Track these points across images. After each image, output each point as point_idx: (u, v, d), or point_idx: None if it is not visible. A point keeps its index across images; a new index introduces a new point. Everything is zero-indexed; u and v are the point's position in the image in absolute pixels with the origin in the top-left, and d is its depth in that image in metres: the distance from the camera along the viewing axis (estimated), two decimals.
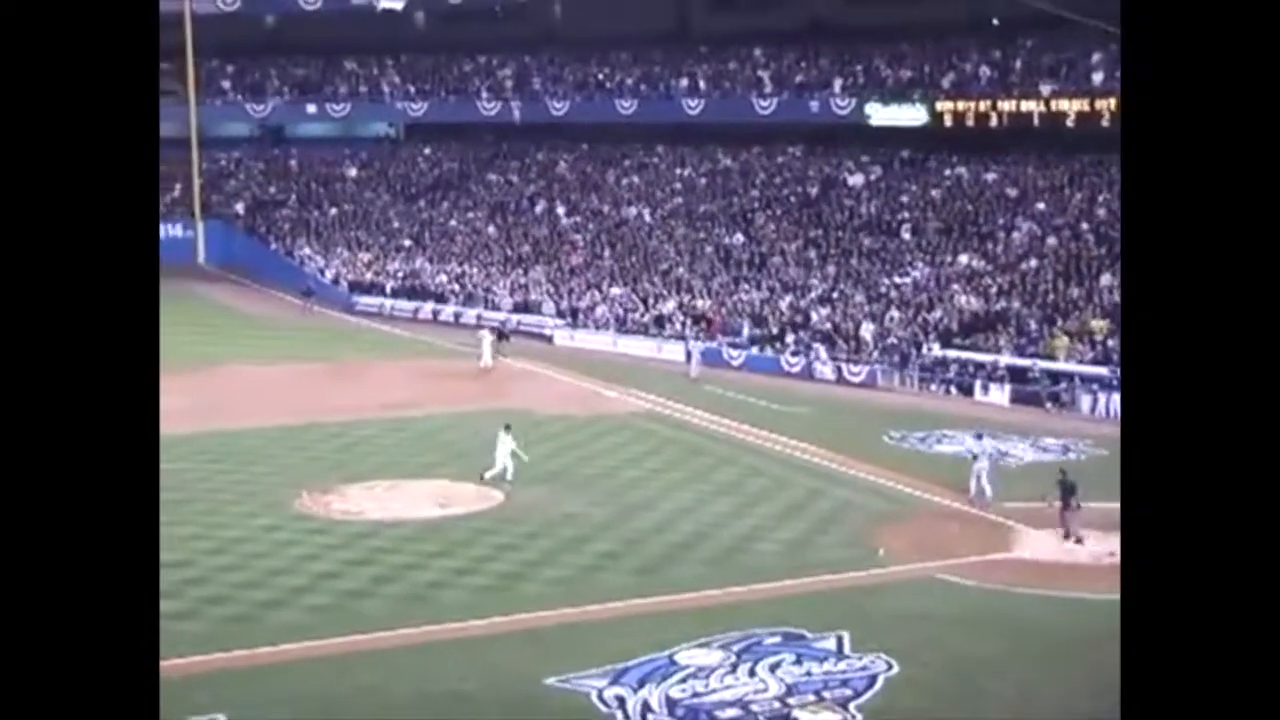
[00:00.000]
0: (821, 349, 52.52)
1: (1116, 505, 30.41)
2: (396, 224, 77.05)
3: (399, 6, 76.71)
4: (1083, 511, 30.41)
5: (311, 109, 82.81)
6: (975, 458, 35.07)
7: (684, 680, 22.05)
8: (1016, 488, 34.49)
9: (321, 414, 43.46)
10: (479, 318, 63.90)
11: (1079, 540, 30.06)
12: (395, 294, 68.94)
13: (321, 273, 72.72)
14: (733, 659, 22.84)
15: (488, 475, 34.75)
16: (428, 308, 66.76)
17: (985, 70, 61.28)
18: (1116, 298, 49.78)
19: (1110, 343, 47.17)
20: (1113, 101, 55.29)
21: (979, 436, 37.41)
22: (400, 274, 70.44)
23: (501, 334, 57.45)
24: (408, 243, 74.18)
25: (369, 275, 71.21)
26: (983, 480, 33.51)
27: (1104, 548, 29.54)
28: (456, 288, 67.39)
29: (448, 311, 66.01)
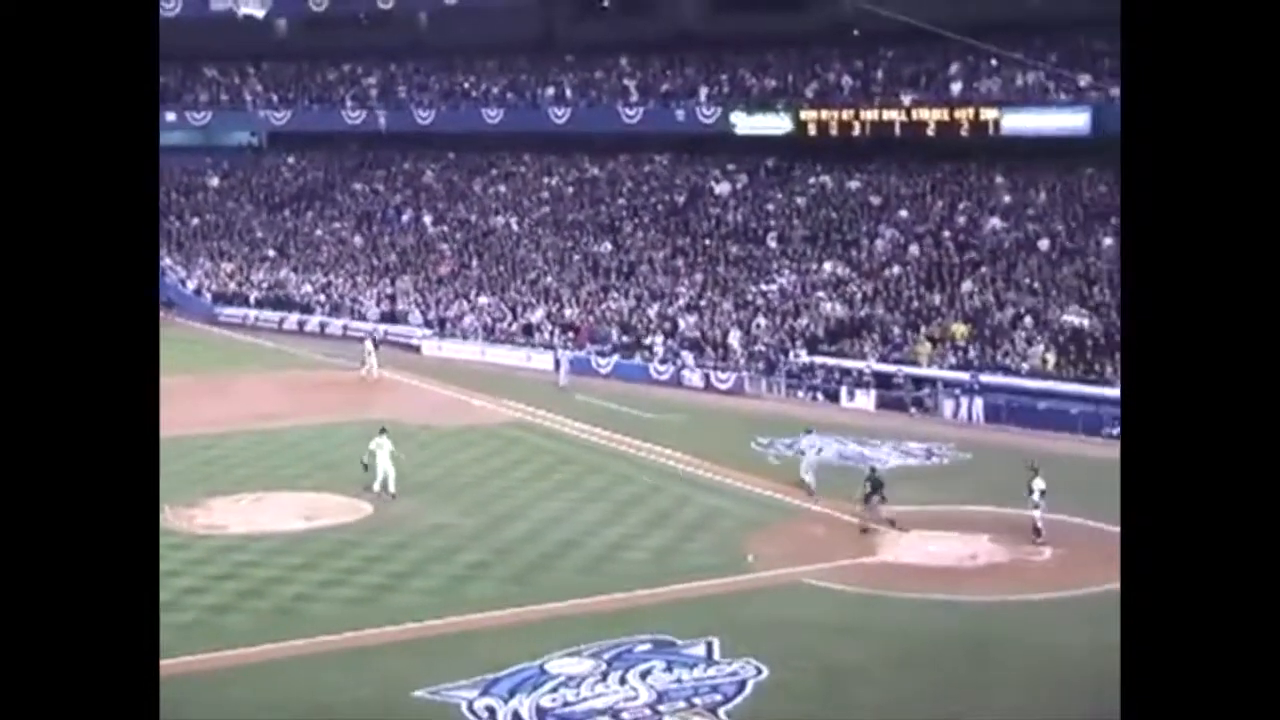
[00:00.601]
0: (689, 356, 52.79)
1: (979, 508, 31.04)
2: (260, 234, 76.07)
3: (260, 14, 75.68)
4: (885, 506, 31.68)
5: (170, 117, 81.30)
6: (803, 453, 36.04)
7: (555, 689, 22.02)
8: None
9: (185, 427, 42.63)
10: (345, 328, 63.39)
11: (865, 530, 31.37)
12: (260, 304, 68.11)
13: (183, 283, 71.60)
14: (603, 667, 22.86)
15: (375, 486, 34.44)
16: (293, 318, 66.09)
17: (848, 80, 62.02)
18: (978, 303, 50.67)
19: (971, 349, 48.01)
20: (970, 111, 56.29)
21: (809, 431, 37.67)
22: (265, 284, 69.61)
23: (371, 340, 57.06)
24: (272, 253, 73.30)
25: (232, 286, 70.27)
26: (809, 476, 35.04)
27: (967, 550, 30.06)
28: (322, 298, 66.76)
29: (313, 322, 65.41)
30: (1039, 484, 30.38)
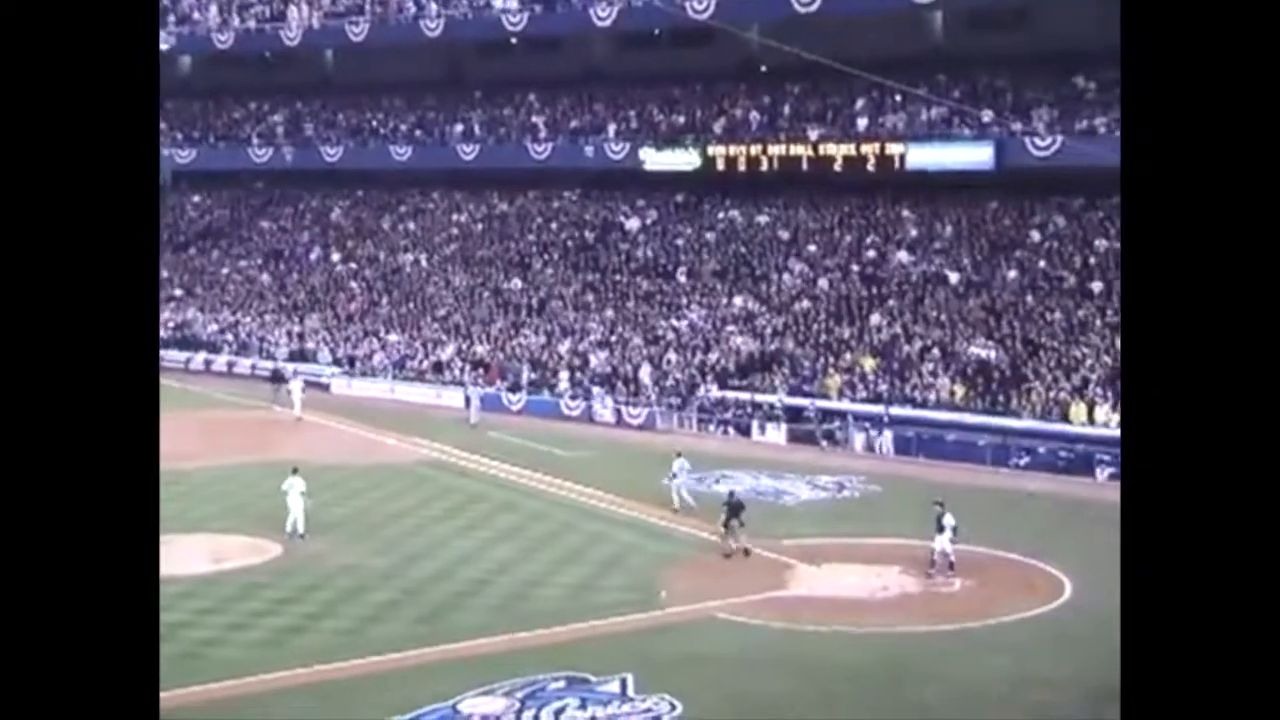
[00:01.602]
0: (600, 392, 52.74)
1: (890, 540, 31.10)
2: (166, 273, 75.09)
3: (165, 48, 75.00)
4: (744, 529, 32.42)
5: None
6: (675, 475, 36.67)
7: None
8: (794, 525, 35.07)
9: None
10: (253, 367, 62.76)
11: (728, 555, 32.13)
12: (166, 344, 67.18)
13: None
14: (517, 705, 22.66)
15: (288, 526, 34.10)
16: (199, 358, 65.34)
17: (755, 116, 62.43)
18: (885, 336, 51.06)
19: (880, 382, 48.34)
20: (876, 146, 56.83)
21: (678, 455, 37.89)
22: (171, 324, 68.76)
23: (278, 377, 56.69)
24: (178, 292, 72.46)
25: None
26: (684, 494, 36.47)
27: (878, 582, 30.16)
28: (230, 337, 66.09)
29: (220, 361, 64.69)
30: (950, 520, 30.45)
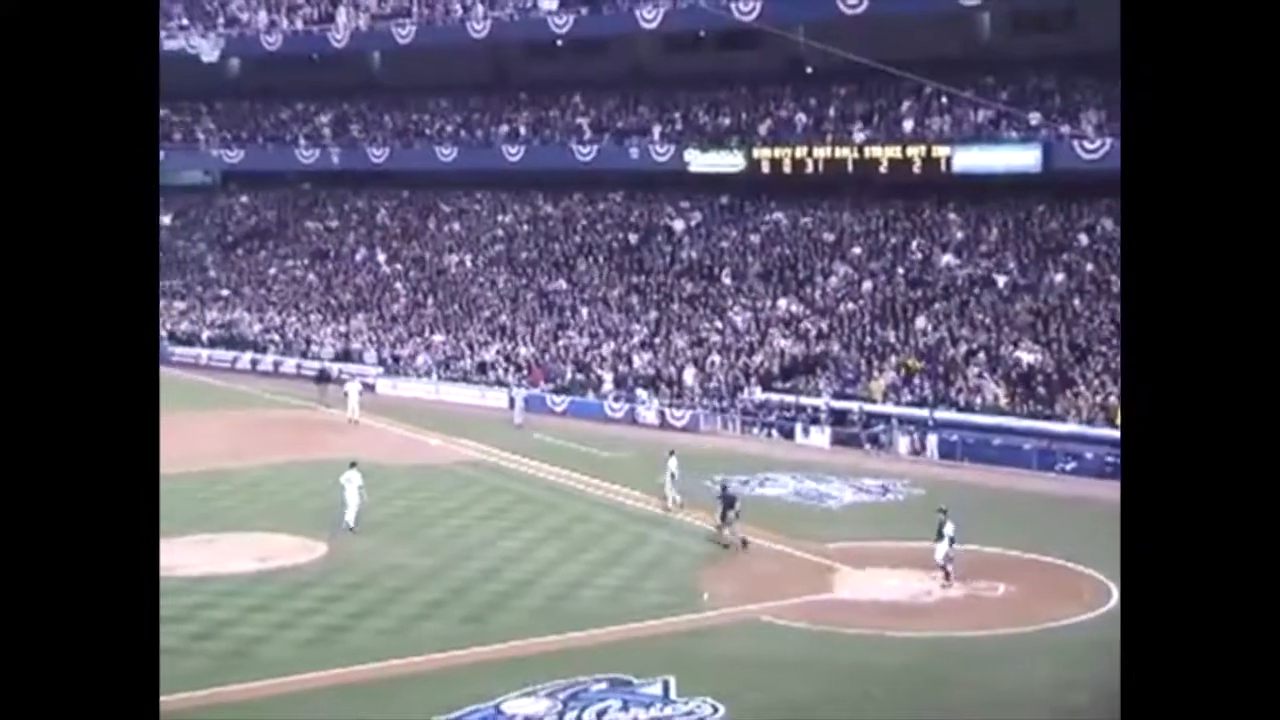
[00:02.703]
0: (644, 394, 52.82)
1: (930, 545, 30.99)
2: (213, 273, 75.83)
3: (215, 56, 75.66)
4: (740, 523, 33.27)
5: None
6: (674, 474, 37.07)
7: None
8: (837, 529, 35.05)
9: None
10: (299, 367, 63.17)
11: (725, 546, 33.12)
12: (213, 344, 67.80)
13: None
14: (559, 707, 22.77)
15: (346, 521, 34.56)
16: (246, 357, 65.80)
17: (801, 118, 62.37)
18: (930, 340, 50.94)
19: (926, 384, 48.22)
20: (923, 149, 56.70)
21: (671, 453, 38.05)
22: (218, 323, 69.30)
23: (324, 377, 57.01)
24: (225, 292, 73.04)
25: (185, 325, 69.92)
26: (672, 490, 36.91)
27: (921, 587, 30.12)
28: (276, 337, 66.52)
29: (266, 361, 65.12)
30: (949, 529, 30.34)
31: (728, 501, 33.71)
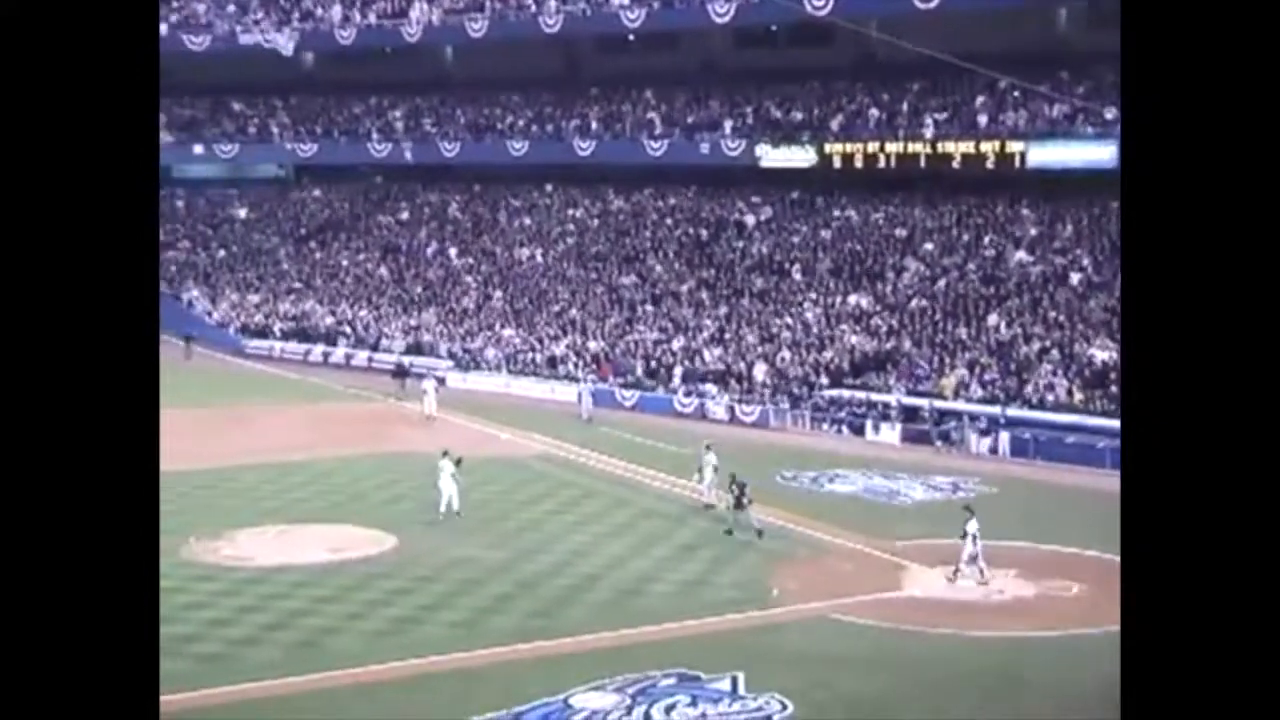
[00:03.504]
0: (714, 389, 52.79)
1: (1003, 543, 30.76)
2: (286, 265, 76.46)
3: (290, 46, 76.27)
4: (753, 510, 34.01)
5: (199, 150, 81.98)
6: (702, 469, 37.12)
7: None
8: (908, 526, 34.88)
9: (210, 459, 42.90)
10: (370, 360, 63.60)
11: (729, 533, 33.75)
12: (285, 336, 68.38)
13: (209, 315, 71.99)
14: (627, 701, 22.80)
15: (441, 508, 35.03)
16: (318, 350, 66.32)
17: (873, 112, 62.12)
18: (1003, 336, 50.58)
19: (999, 381, 47.90)
20: (996, 144, 56.29)
21: (708, 446, 37.95)
22: (290, 316, 69.89)
23: (401, 371, 57.35)
24: (298, 285, 73.64)
25: (258, 318, 70.59)
26: (709, 485, 36.76)
27: (994, 585, 29.93)
28: (347, 330, 67.01)
29: (338, 354, 65.63)
30: (972, 526, 30.11)
31: (741, 488, 34.24)
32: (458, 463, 35.98)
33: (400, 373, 57.29)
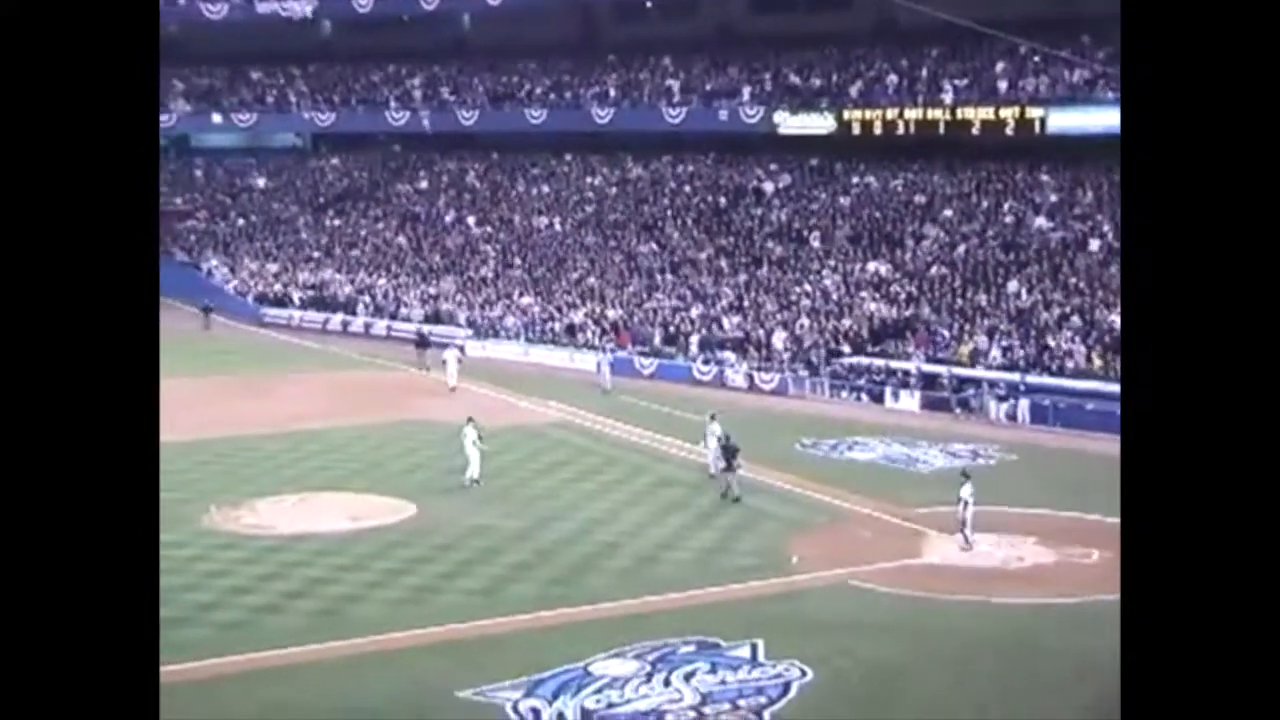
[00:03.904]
0: (733, 357, 52.73)
1: (1023, 510, 30.70)
2: (305, 235, 76.51)
3: (308, 13, 76.15)
4: (742, 470, 34.47)
5: (217, 119, 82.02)
6: (705, 438, 37.02)
7: (599, 691, 22.02)
8: (927, 493, 34.82)
9: (230, 428, 43.03)
10: (389, 328, 63.65)
11: (737, 499, 33.87)
12: (304, 305, 68.47)
13: (227, 284, 72.14)
14: (647, 669, 22.84)
15: (467, 477, 35.32)
16: (337, 319, 66.40)
17: (892, 79, 61.82)
18: (1023, 304, 50.40)
19: (1019, 348, 47.77)
20: (1016, 110, 55.99)
21: (712, 416, 37.78)
22: (309, 285, 69.96)
23: (424, 342, 56.95)
24: (316, 254, 73.69)
25: (277, 287, 70.67)
26: (713, 458, 36.24)
27: (1013, 552, 29.90)
28: (366, 299, 67.05)
29: (357, 323, 65.69)
30: (966, 490, 30.17)
31: (730, 452, 34.39)
32: (480, 437, 36.07)
33: (422, 343, 57.00)
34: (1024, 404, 45.15)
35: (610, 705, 21.56)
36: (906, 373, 48.58)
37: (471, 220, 72.44)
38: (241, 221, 79.48)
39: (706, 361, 53.05)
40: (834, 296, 55.18)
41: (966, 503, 30.12)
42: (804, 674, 22.69)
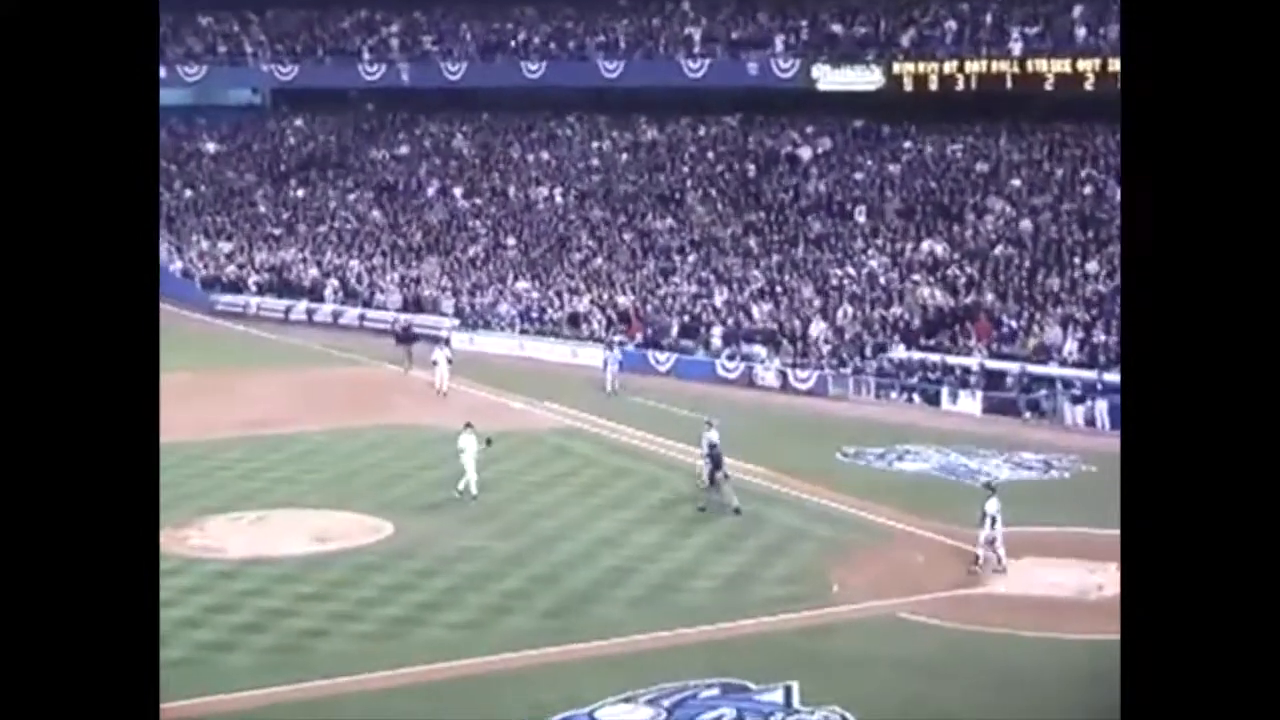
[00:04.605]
0: (763, 351, 52.74)
1: (1104, 531, 30.61)
2: (263, 208, 76.60)
3: None
4: (730, 480, 35.06)
5: (161, 73, 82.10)
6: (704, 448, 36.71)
7: None
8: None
9: (176, 433, 42.89)
10: (362, 318, 63.72)
11: (703, 509, 34.70)
12: (263, 290, 68.57)
13: (174, 267, 72.21)
14: (663, 715, 22.88)
15: (460, 486, 35.51)
16: (301, 307, 66.47)
17: (950, 25, 61.77)
18: (1102, 288, 50.35)
19: (1100, 340, 47.72)
20: (1097, 62, 55.87)
21: (710, 424, 37.20)
22: (268, 267, 70.06)
23: (408, 336, 56.14)
24: (277, 230, 73.78)
25: (231, 269, 70.76)
26: (710, 474, 35.87)
27: (1091, 580, 29.89)
28: (335, 283, 67.12)
29: (325, 311, 65.75)
30: (992, 506, 30.32)
31: (715, 460, 34.74)
32: (488, 442, 36.26)
33: (405, 337, 56.35)
34: (1103, 406, 45.05)
35: None
36: (966, 370, 48.56)
37: (458, 192, 72.50)
38: (189, 193, 79.51)
39: (732, 357, 53.07)
40: (881, 281, 55.18)
41: (994, 519, 30.22)
42: None
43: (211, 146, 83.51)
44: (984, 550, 30.40)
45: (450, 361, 51.10)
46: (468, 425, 36.59)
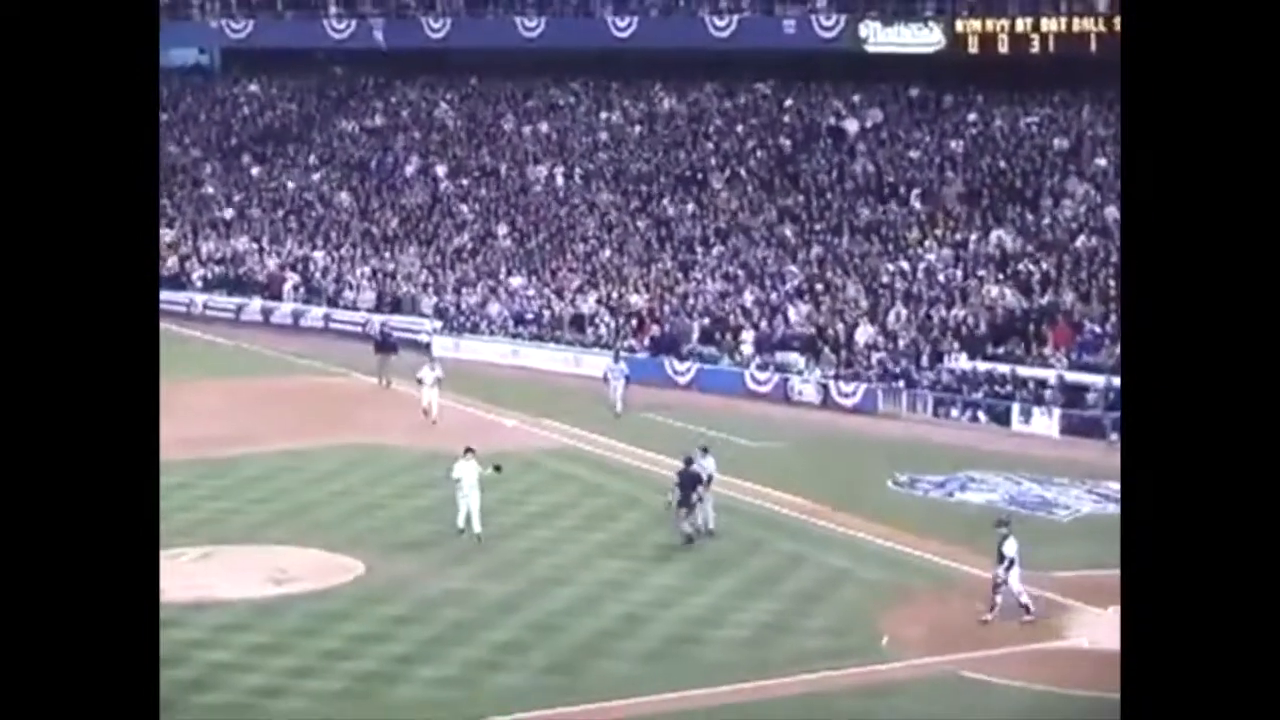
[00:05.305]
0: (801, 361, 52.72)
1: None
2: (211, 189, 76.72)
3: None
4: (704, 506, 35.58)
5: None
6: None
7: None
8: (1070, 550, 34.76)
9: None
10: (327, 319, 63.77)
11: (690, 540, 35.18)
12: (210, 286, 68.65)
13: None
14: None
15: (459, 522, 35.40)
16: (255, 305, 66.57)
17: None
18: None
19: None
20: None
21: (704, 450, 37.69)
22: (216, 259, 70.16)
23: (388, 344, 55.69)
24: (227, 214, 73.87)
25: (172, 260, 70.81)
26: (707, 511, 36.25)
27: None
28: (295, 278, 67.19)
29: (283, 310, 65.83)
30: (1010, 547, 30.46)
31: (689, 481, 35.16)
32: (497, 469, 36.23)
33: (385, 345, 56.04)
34: None
35: None
36: (1042, 383, 48.52)
37: (441, 170, 72.59)
38: None
39: (764, 366, 53.06)
40: (940, 278, 55.16)
41: (1011, 561, 30.38)
42: None
43: None
44: (1001, 596, 30.48)
45: (440, 381, 49.83)
46: (469, 450, 36.15)
